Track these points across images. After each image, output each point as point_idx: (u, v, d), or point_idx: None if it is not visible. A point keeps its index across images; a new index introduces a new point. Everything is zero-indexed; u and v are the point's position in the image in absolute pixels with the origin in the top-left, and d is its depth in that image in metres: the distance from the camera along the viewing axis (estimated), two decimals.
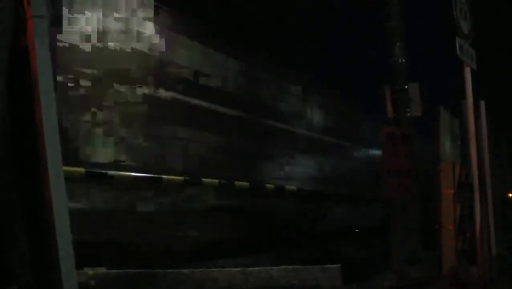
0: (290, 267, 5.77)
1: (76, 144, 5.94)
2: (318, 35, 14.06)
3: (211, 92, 8.27)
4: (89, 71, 6.17)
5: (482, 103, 6.73)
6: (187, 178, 7.48)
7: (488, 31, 13.20)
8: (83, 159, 6.01)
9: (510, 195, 13.79)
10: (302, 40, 13.24)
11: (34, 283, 3.03)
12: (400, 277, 6.43)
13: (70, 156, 5.60)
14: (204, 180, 7.81)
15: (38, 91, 2.97)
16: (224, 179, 8.19)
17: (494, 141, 8.22)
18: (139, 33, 6.87)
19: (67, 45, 5.83)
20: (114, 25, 6.55)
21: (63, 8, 5.70)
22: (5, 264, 3.02)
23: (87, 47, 6.13)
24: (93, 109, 6.23)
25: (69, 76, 5.94)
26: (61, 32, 5.63)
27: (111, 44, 6.47)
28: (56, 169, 2.96)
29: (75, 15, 5.99)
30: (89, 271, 5.19)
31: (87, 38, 6.15)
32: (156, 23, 7.12)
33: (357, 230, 13.12)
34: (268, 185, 9.45)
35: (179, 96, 7.54)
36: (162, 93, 7.30)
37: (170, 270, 5.58)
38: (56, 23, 5.36)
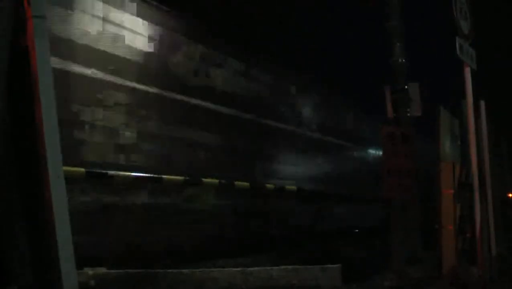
0: (290, 267, 5.76)
1: None
2: (318, 35, 14.06)
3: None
4: None
5: (482, 103, 6.73)
6: (187, 178, 7.50)
7: (488, 31, 13.20)
8: None
9: (510, 195, 13.80)
10: (302, 40, 13.25)
11: (34, 283, 3.03)
12: (400, 277, 6.43)
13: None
14: (205, 180, 7.82)
15: (38, 91, 2.97)
16: (224, 179, 8.20)
17: (494, 141, 8.22)
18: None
19: None
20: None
21: None
22: (5, 264, 3.02)
23: None
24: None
25: None
26: None
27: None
28: (56, 169, 2.96)
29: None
30: (89, 271, 5.18)
31: None
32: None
33: (357, 230, 13.12)
34: (268, 185, 9.45)
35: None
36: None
37: (170, 270, 5.58)
38: None
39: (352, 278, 5.92)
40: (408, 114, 8.02)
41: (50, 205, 2.91)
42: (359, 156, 14.29)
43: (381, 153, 7.39)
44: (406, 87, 8.06)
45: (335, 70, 15.12)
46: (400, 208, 7.48)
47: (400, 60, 8.19)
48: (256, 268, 5.74)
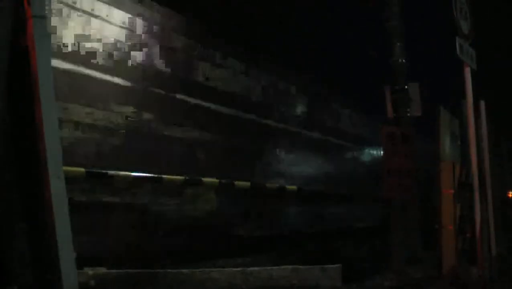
0: (290, 267, 5.76)
1: None
2: (318, 35, 14.06)
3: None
4: None
5: (482, 103, 6.73)
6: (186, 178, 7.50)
7: (488, 31, 13.21)
8: None
9: (510, 195, 13.80)
10: (302, 40, 13.25)
11: (34, 283, 3.03)
12: (400, 277, 6.43)
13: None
14: (205, 179, 7.82)
15: (38, 91, 2.97)
16: (225, 178, 8.20)
17: (494, 141, 8.23)
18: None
19: None
20: None
21: None
22: (5, 264, 3.02)
23: None
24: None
25: None
26: None
27: None
28: (56, 169, 2.96)
29: None
30: (89, 271, 5.18)
31: None
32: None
33: (357, 230, 13.11)
34: (268, 185, 9.45)
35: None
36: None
37: (170, 270, 5.57)
38: None
39: (352, 278, 5.93)
40: (408, 114, 8.01)
41: (50, 205, 2.91)
42: (359, 156, 14.29)
43: (381, 153, 7.39)
44: (406, 87, 8.06)
45: (335, 70, 15.12)
46: (400, 208, 7.49)
47: (400, 60, 8.19)
48: (256, 268, 5.73)
